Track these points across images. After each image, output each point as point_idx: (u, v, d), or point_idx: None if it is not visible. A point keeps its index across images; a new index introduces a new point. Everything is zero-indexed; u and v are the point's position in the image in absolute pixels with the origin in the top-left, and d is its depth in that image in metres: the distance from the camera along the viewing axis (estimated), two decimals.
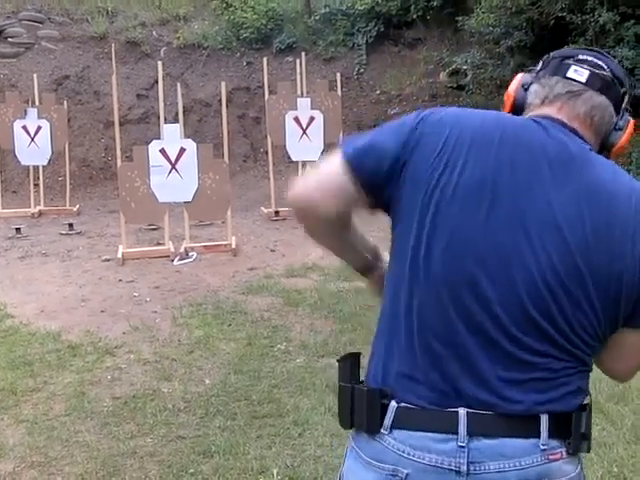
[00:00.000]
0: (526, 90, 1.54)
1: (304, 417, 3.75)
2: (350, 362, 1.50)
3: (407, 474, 1.38)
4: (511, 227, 1.37)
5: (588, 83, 1.47)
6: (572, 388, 1.41)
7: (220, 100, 8.58)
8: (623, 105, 1.51)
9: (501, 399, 1.37)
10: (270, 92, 9.58)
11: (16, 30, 12.66)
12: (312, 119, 9.22)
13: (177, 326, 5.27)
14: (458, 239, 1.38)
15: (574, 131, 1.45)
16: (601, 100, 1.48)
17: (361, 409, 1.44)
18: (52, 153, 9.95)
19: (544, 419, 1.37)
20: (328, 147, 9.63)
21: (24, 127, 9.71)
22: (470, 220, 1.38)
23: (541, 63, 1.56)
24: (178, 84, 8.58)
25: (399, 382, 1.42)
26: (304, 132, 9.21)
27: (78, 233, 8.64)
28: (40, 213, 9.97)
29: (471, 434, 1.36)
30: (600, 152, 1.49)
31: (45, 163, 10.03)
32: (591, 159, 1.44)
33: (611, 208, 1.39)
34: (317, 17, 12.61)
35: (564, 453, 1.39)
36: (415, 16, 11.88)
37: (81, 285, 6.42)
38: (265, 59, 9.96)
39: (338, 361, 1.53)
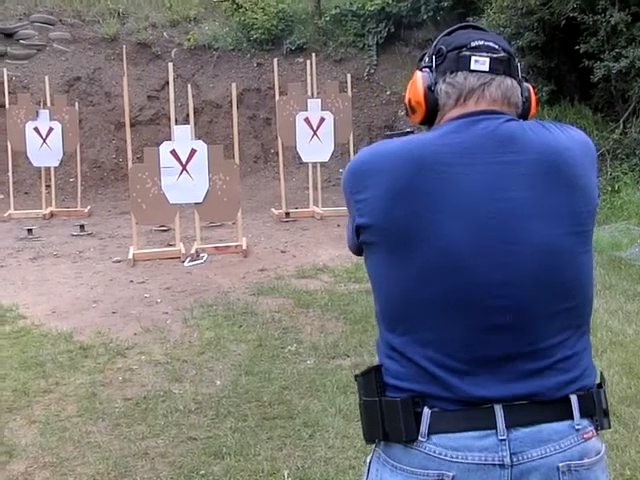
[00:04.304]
0: (432, 91, 1.53)
1: (315, 419, 3.74)
2: (374, 375, 1.48)
3: (453, 476, 1.39)
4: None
5: (492, 70, 1.49)
6: (587, 363, 1.47)
7: (231, 101, 8.60)
8: (520, 75, 1.55)
9: (531, 389, 1.40)
10: (280, 93, 9.59)
11: (28, 32, 12.72)
12: (322, 120, 9.22)
13: (188, 327, 5.28)
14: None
15: (497, 112, 1.48)
16: (509, 82, 1.51)
17: (395, 420, 1.43)
18: (63, 154, 10.00)
19: (574, 399, 1.42)
20: (338, 148, 9.65)
21: (36, 129, 9.77)
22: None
23: (434, 58, 1.54)
24: (189, 85, 8.60)
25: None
26: (314, 133, 9.21)
27: (89, 234, 8.68)
28: (52, 214, 10.02)
29: (509, 426, 1.39)
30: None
31: (57, 164, 10.09)
32: (521, 130, 1.47)
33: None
34: (327, 18, 12.61)
35: (594, 431, 1.45)
36: (425, 17, 11.87)
37: (92, 286, 6.44)
38: (275, 60, 9.97)
39: (358, 376, 1.51)
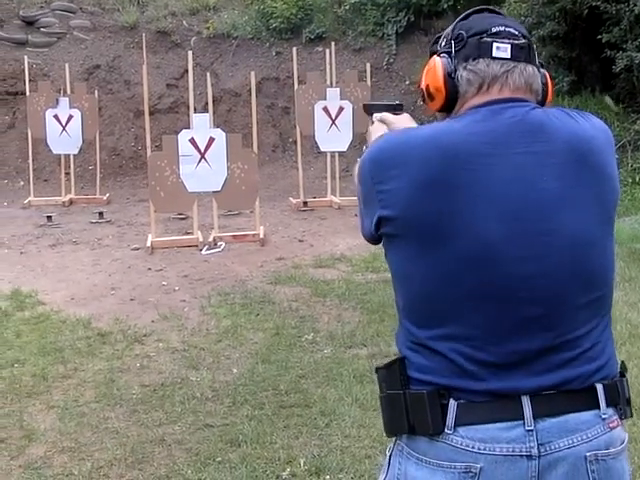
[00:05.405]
0: (452, 78, 1.49)
1: (331, 407, 3.75)
2: (398, 368, 1.44)
3: (480, 468, 1.37)
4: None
5: (514, 57, 1.47)
6: (611, 352, 1.46)
7: (249, 90, 8.58)
8: (537, 61, 1.53)
9: (559, 379, 1.39)
10: (299, 82, 9.57)
11: (48, 20, 12.78)
12: (341, 109, 9.19)
13: (205, 315, 5.30)
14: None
15: (521, 100, 1.46)
16: (530, 69, 1.49)
17: (422, 413, 1.40)
18: (83, 142, 10.06)
19: (600, 388, 1.41)
20: (357, 138, 9.61)
21: (56, 116, 9.82)
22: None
23: (453, 43, 1.49)
24: (208, 74, 8.60)
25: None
26: (333, 122, 9.19)
27: (108, 222, 8.73)
28: (71, 202, 10.08)
29: (536, 416, 1.37)
30: None
31: (76, 152, 10.14)
32: (548, 119, 1.45)
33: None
34: (347, 7, 12.54)
35: (618, 420, 1.44)
36: (446, 6, 11.77)
37: (111, 273, 6.48)
38: (294, 49, 9.94)
39: (380, 369, 1.48)
